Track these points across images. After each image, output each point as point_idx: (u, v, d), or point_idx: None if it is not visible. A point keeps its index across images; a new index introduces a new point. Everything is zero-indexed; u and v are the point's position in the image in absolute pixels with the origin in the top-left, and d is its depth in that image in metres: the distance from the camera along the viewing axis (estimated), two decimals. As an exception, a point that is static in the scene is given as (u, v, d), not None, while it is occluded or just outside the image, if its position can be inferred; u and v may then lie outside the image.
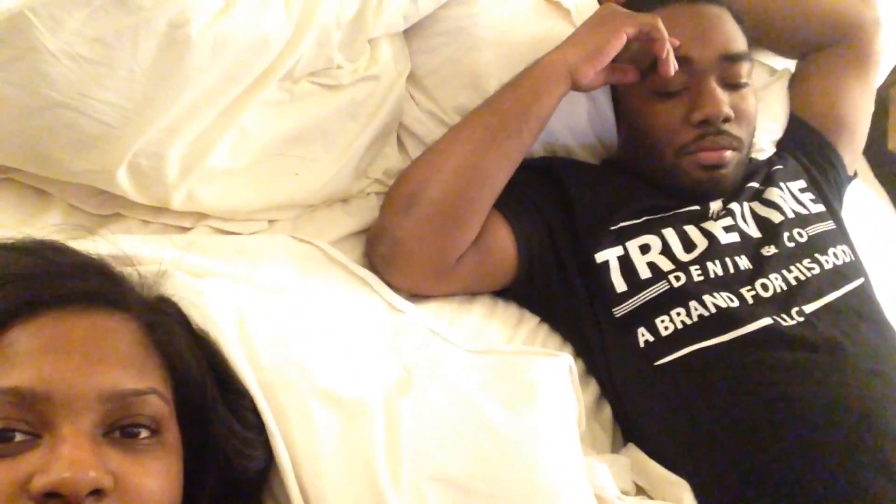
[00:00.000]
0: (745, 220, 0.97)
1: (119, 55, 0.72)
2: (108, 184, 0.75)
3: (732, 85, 0.95)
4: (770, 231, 0.96)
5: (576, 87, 0.91)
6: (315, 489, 0.60)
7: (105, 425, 0.49)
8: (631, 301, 0.89)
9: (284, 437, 0.62)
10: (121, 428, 0.49)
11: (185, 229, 0.83)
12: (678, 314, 0.87)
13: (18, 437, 0.46)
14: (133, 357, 0.53)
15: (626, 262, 0.91)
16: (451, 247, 0.87)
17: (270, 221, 0.88)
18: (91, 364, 0.49)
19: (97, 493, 0.45)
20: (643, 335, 0.88)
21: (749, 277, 0.90)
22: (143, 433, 0.50)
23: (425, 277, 0.88)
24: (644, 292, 0.89)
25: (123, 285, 0.59)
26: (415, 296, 0.88)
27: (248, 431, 0.61)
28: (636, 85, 0.96)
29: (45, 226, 0.72)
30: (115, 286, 0.58)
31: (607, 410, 0.92)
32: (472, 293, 0.94)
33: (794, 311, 0.87)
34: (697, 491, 0.80)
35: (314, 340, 0.70)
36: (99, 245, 0.63)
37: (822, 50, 1.16)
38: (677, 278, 0.89)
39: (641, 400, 0.88)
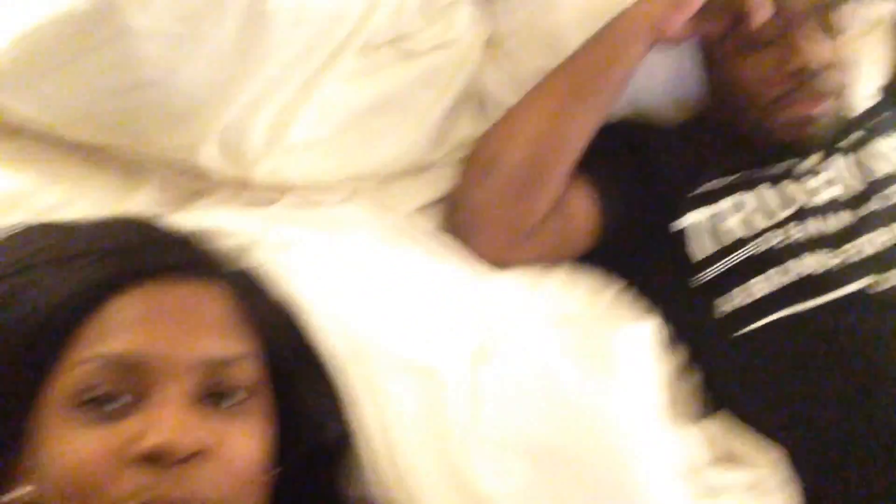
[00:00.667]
0: (845, 175, 0.92)
1: (205, 31, 0.73)
2: (197, 159, 0.78)
3: (831, 30, 0.88)
4: (873, 185, 0.90)
5: (661, 40, 0.87)
6: (395, 457, 0.62)
7: (201, 390, 0.51)
8: (716, 266, 0.86)
9: (364, 404, 0.63)
10: (216, 393, 0.51)
11: (269, 202, 0.84)
12: (767, 278, 0.84)
13: (120, 402, 0.48)
14: (227, 325, 0.55)
15: (711, 226, 0.88)
16: (531, 213, 0.86)
17: (351, 192, 0.89)
18: (188, 331, 0.52)
19: (196, 455, 0.47)
20: (729, 302, 0.85)
21: (846, 237, 0.86)
22: (238, 398, 0.52)
23: (506, 244, 0.87)
24: (730, 257, 0.86)
25: (215, 257, 0.61)
26: (495, 263, 0.87)
27: (330, 398, 0.63)
28: (725, 35, 0.91)
29: (140, 201, 0.76)
30: (207, 258, 0.60)
31: (694, 378, 0.90)
32: (553, 260, 0.92)
33: (892, 273, 0.82)
34: (791, 459, 0.78)
35: (395, 309, 0.71)
36: (190, 219, 0.66)
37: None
38: (766, 241, 0.86)
39: (728, 368, 0.86)
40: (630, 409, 0.67)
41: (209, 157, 0.77)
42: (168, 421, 0.47)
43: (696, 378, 0.90)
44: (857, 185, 0.91)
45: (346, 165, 0.87)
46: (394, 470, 0.61)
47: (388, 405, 0.64)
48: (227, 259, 0.63)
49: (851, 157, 0.93)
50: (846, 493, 0.77)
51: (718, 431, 0.83)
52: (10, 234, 0.59)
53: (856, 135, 0.95)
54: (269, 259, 0.68)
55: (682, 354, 0.90)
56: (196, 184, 0.83)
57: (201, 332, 0.53)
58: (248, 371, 0.54)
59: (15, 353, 0.50)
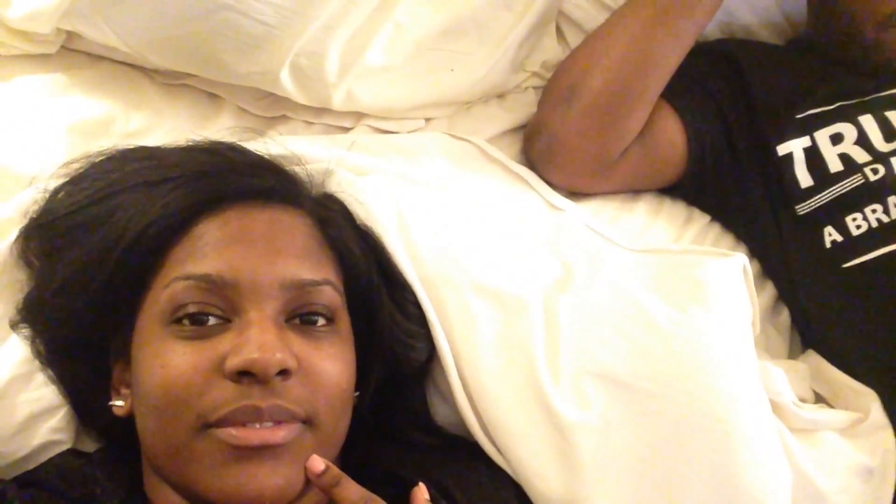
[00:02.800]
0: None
1: (278, -46, 0.72)
2: (273, 85, 0.77)
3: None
4: None
5: None
6: (475, 381, 0.61)
7: (286, 312, 0.52)
8: (817, 197, 0.81)
9: (445, 329, 0.63)
10: (300, 315, 0.52)
11: (345, 129, 0.84)
12: (873, 211, 0.78)
13: (211, 320, 0.50)
14: (308, 250, 0.56)
15: (813, 154, 0.82)
16: (615, 141, 0.83)
17: (427, 119, 0.87)
18: (272, 255, 0.53)
19: (284, 373, 0.48)
20: (830, 235, 0.80)
21: None
22: (321, 321, 0.53)
23: (586, 174, 0.84)
24: (834, 187, 0.81)
25: (295, 183, 0.62)
26: (574, 193, 0.85)
27: (411, 323, 0.63)
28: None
29: (219, 128, 0.76)
30: (289, 184, 0.61)
31: (785, 314, 0.87)
32: (636, 190, 0.89)
33: None
34: (887, 401, 0.74)
35: (473, 236, 0.70)
36: (269, 146, 0.66)
37: None
38: (875, 171, 0.79)
39: (826, 304, 0.81)
40: (719, 342, 0.64)
41: (287, 82, 0.76)
42: (257, 340, 0.48)
43: (787, 315, 0.86)
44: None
45: (421, 91, 0.85)
46: (481, 394, 0.61)
47: (475, 329, 0.63)
48: (307, 186, 0.63)
49: None
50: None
51: (807, 370, 0.80)
52: (101, 157, 0.61)
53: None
54: (350, 184, 0.68)
55: (773, 290, 0.87)
56: (274, 110, 0.83)
57: (285, 256, 0.53)
58: (329, 295, 0.54)
59: (113, 270, 0.52)
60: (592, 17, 0.93)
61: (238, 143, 0.63)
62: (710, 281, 0.69)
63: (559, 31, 0.97)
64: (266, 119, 0.83)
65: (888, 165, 0.79)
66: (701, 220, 0.89)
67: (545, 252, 0.73)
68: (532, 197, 0.81)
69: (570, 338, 0.64)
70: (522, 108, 0.91)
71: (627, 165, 0.85)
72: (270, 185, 0.58)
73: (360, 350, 0.57)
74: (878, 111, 0.83)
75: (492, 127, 0.88)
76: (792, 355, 0.85)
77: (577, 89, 0.82)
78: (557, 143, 0.83)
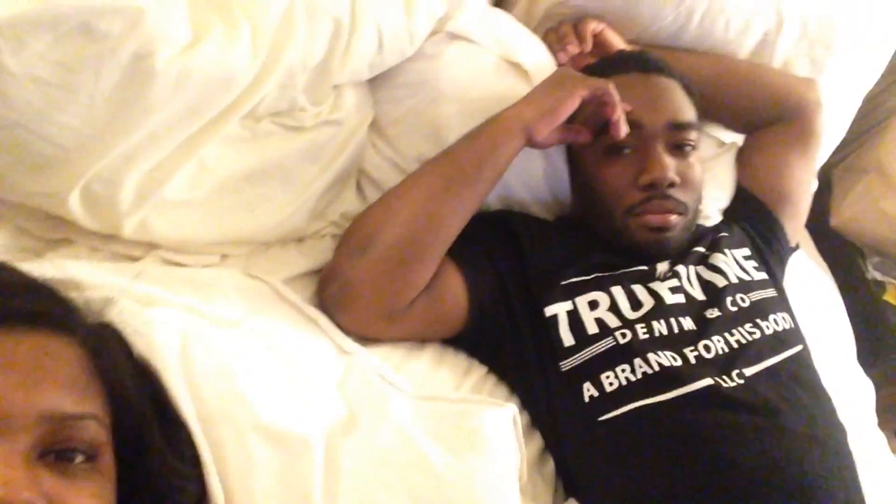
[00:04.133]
0: (690, 283, 1.00)
1: (81, 81, 0.72)
2: (60, 208, 0.75)
3: (679, 152, 0.99)
4: (714, 294, 0.98)
5: (531, 143, 0.94)
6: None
7: (41, 447, 0.48)
8: (578, 355, 0.90)
9: (220, 471, 0.61)
10: (56, 451, 0.48)
11: (134, 259, 0.82)
12: (623, 370, 0.88)
13: None
14: (74, 381, 0.52)
15: (574, 317, 0.92)
16: (403, 291, 0.88)
17: (223, 256, 0.88)
18: (32, 384, 0.49)
19: None
20: (588, 390, 0.88)
21: (693, 338, 0.92)
22: (79, 458, 0.49)
23: (375, 320, 0.88)
24: (591, 347, 0.90)
25: (69, 309, 0.58)
26: (364, 339, 0.88)
27: (184, 464, 0.60)
28: (589, 146, 1.00)
29: (-6, 245, 0.71)
30: (61, 309, 0.57)
31: (550, 464, 0.92)
32: (421, 339, 0.94)
33: (734, 373, 0.88)
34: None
35: (259, 375, 0.69)
36: (45, 268, 0.63)
37: (769, 126, 1.22)
38: (623, 335, 0.90)
39: (584, 455, 0.88)
40: (488, 487, 0.68)
41: (75, 206, 0.74)
42: (2, 477, 0.44)
43: (552, 464, 0.92)
44: (698, 295, 0.99)
45: (219, 229, 0.86)
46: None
47: (252, 471, 0.61)
48: (82, 312, 0.60)
49: (693, 269, 1.01)
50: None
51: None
52: None
53: (699, 248, 1.05)
54: (133, 314, 0.66)
55: (540, 440, 0.93)
56: (57, 232, 0.79)
57: (45, 386, 0.50)
58: (91, 431, 0.51)
59: None
60: (390, 177, 1.01)
61: (10, 262, 0.59)
62: (483, 429, 0.74)
63: (359, 186, 1.04)
64: (48, 241, 0.79)
65: (634, 331, 0.91)
66: (480, 370, 0.95)
67: (333, 395, 0.74)
68: (323, 340, 0.83)
69: (350, 481, 0.64)
70: (319, 253, 0.95)
71: (415, 314, 0.90)
72: (38, 308, 0.54)
73: (127, 490, 0.53)
74: (626, 284, 0.96)
75: (288, 269, 0.91)
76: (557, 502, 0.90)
77: (371, 241, 0.87)
78: (350, 289, 0.86)
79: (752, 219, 1.16)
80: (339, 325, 0.86)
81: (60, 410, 0.49)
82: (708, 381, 0.86)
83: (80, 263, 0.74)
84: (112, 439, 0.54)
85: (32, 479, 0.45)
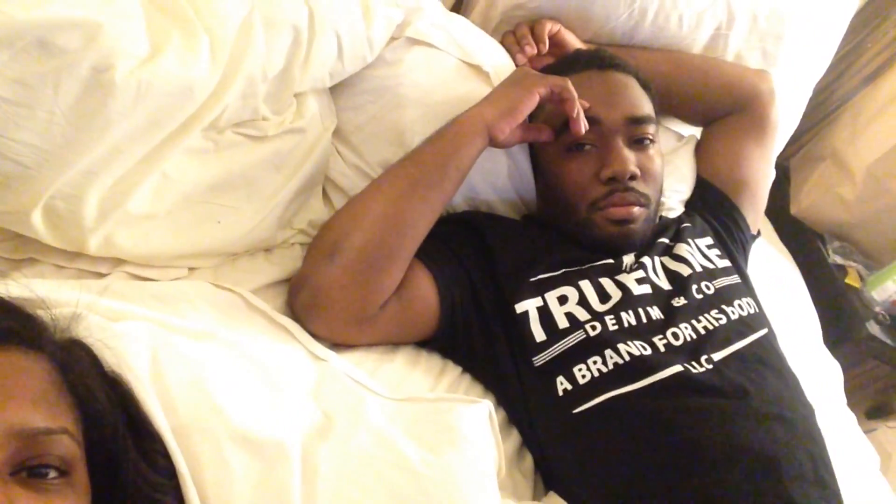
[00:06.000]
0: (656, 273, 1.02)
1: (39, 97, 0.71)
2: (23, 226, 0.74)
3: (639, 146, 1.01)
4: (680, 283, 1.00)
5: (493, 143, 0.95)
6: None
7: (13, 464, 0.47)
8: (550, 350, 0.91)
9: (197, 481, 0.60)
10: (29, 468, 0.48)
11: (100, 275, 0.81)
12: (594, 362, 0.89)
13: None
14: (45, 396, 0.52)
15: (544, 313, 0.93)
16: (373, 295, 0.88)
17: (190, 269, 0.87)
18: (1, 401, 0.48)
19: None
20: (562, 383, 0.89)
21: (660, 327, 0.94)
22: (52, 473, 0.49)
23: (347, 326, 0.88)
24: (562, 341, 0.91)
25: (36, 326, 0.58)
26: (337, 345, 0.88)
27: (159, 476, 0.59)
28: (551, 144, 1.02)
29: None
30: (28, 326, 0.57)
31: (529, 459, 0.93)
32: (394, 343, 0.94)
33: (703, 358, 0.90)
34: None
35: (232, 385, 0.69)
36: (10, 287, 0.62)
37: (724, 118, 1.25)
38: (593, 328, 0.92)
39: (561, 447, 0.89)
40: (467, 483, 0.68)
41: (38, 224, 0.73)
42: None
43: (531, 459, 0.93)
44: (664, 284, 1.01)
45: (186, 241, 0.85)
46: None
47: (230, 481, 0.61)
48: (50, 329, 0.60)
49: (658, 260, 1.03)
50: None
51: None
52: None
53: (663, 239, 1.07)
54: (101, 329, 0.65)
55: (517, 436, 0.94)
56: (21, 252, 0.78)
57: (16, 402, 0.49)
58: (64, 446, 0.51)
59: None
60: (356, 184, 1.02)
61: (-26, 281, 0.59)
62: (460, 425, 0.74)
63: (325, 194, 1.04)
64: (12, 261, 0.78)
65: (604, 323, 0.92)
66: (454, 371, 0.96)
67: (307, 401, 0.74)
68: (295, 347, 0.82)
69: (329, 485, 0.64)
70: (288, 262, 0.95)
71: (386, 318, 0.90)
72: (6, 326, 0.54)
73: (105, 500, 0.53)
74: (594, 277, 0.98)
75: (257, 279, 0.90)
76: (536, 498, 0.90)
77: (339, 246, 0.87)
78: (320, 296, 0.86)
79: (713, 208, 1.19)
80: (310, 332, 0.85)
81: (31, 426, 0.49)
82: (678, 368, 0.88)
83: (45, 282, 0.73)
84: (85, 454, 0.53)
85: (5, 496, 0.45)
